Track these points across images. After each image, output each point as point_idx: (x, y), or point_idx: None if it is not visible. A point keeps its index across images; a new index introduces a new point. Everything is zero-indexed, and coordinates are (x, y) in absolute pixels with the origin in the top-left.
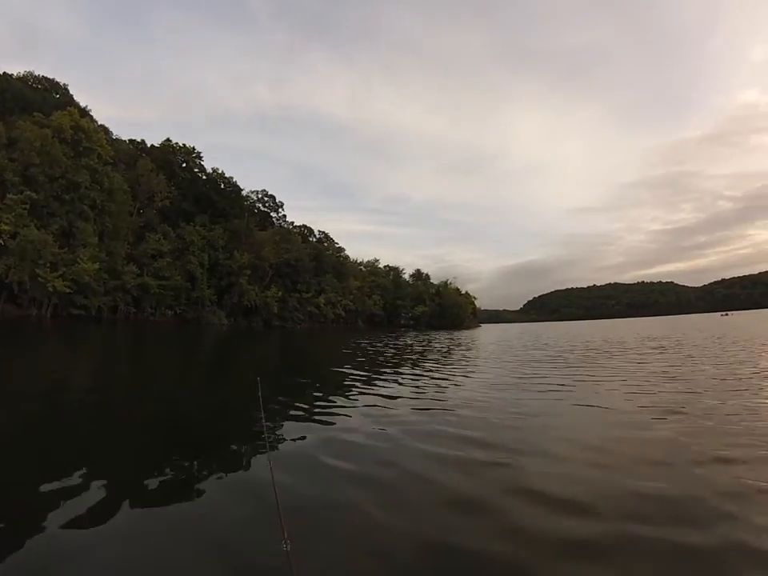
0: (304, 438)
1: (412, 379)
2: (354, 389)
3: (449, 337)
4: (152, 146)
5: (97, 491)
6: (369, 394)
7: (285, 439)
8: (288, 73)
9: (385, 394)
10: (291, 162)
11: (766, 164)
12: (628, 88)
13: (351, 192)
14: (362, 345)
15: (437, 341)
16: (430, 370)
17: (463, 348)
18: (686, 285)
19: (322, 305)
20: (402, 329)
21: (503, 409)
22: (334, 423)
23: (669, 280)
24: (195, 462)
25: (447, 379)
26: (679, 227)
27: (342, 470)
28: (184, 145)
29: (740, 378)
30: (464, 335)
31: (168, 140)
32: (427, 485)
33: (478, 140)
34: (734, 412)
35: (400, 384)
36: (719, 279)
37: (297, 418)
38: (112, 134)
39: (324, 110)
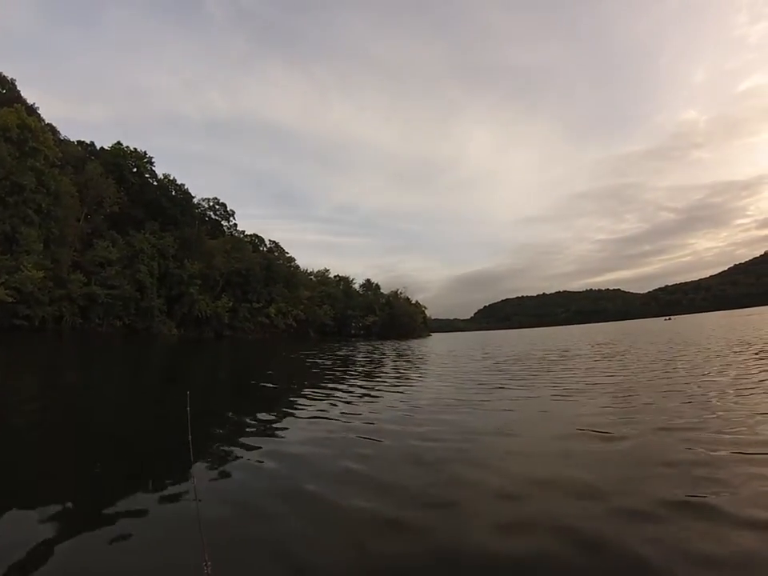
0: (231, 456)
1: (346, 394)
2: (287, 405)
3: (395, 347)
4: (101, 148)
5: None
6: (301, 410)
7: (211, 458)
8: (242, 79)
9: (317, 409)
10: (242, 169)
11: (704, 178)
12: (576, 104)
13: (302, 201)
14: (307, 356)
15: (382, 352)
16: (366, 384)
17: (405, 359)
18: (632, 291)
19: (272, 315)
20: (353, 338)
21: (430, 432)
22: (262, 444)
23: (616, 287)
24: (113, 481)
25: (378, 395)
26: (625, 236)
27: (267, 493)
28: (135, 149)
29: (686, 385)
30: (413, 345)
31: (119, 143)
32: (343, 513)
33: (430, 151)
34: (681, 426)
35: (333, 398)
36: (663, 286)
37: (225, 436)
38: (60, 135)
39: (277, 118)
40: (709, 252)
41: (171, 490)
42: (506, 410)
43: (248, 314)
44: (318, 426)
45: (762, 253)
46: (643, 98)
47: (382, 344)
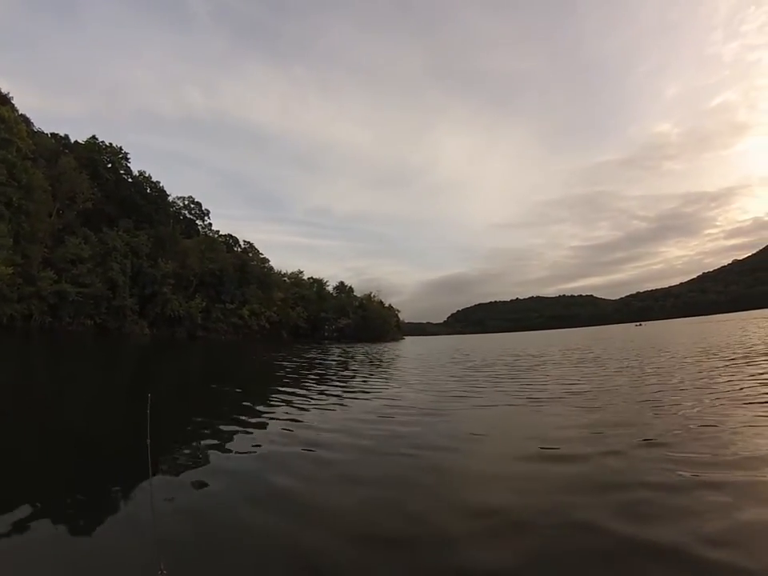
0: (189, 463)
1: (305, 401)
2: (245, 411)
3: (366, 351)
4: (76, 142)
5: None
6: (257, 418)
7: (169, 464)
8: (223, 78)
9: (273, 417)
10: (218, 169)
11: (675, 188)
12: (553, 113)
13: (277, 202)
14: (276, 359)
15: (352, 355)
16: (329, 390)
17: (373, 364)
18: (604, 297)
19: (246, 316)
20: (326, 341)
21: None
22: (219, 451)
23: (589, 293)
24: (68, 486)
25: (338, 402)
26: (598, 244)
27: (224, 501)
28: (110, 144)
29: (656, 395)
30: (384, 348)
31: (94, 137)
32: (282, 531)
33: (406, 155)
34: (647, 443)
35: (292, 405)
36: (635, 292)
37: (185, 442)
38: (33, 126)
39: (255, 117)
40: (679, 260)
41: (127, 494)
42: (464, 421)
43: (221, 314)
44: (268, 436)
45: (730, 262)
46: (618, 109)
47: (353, 347)
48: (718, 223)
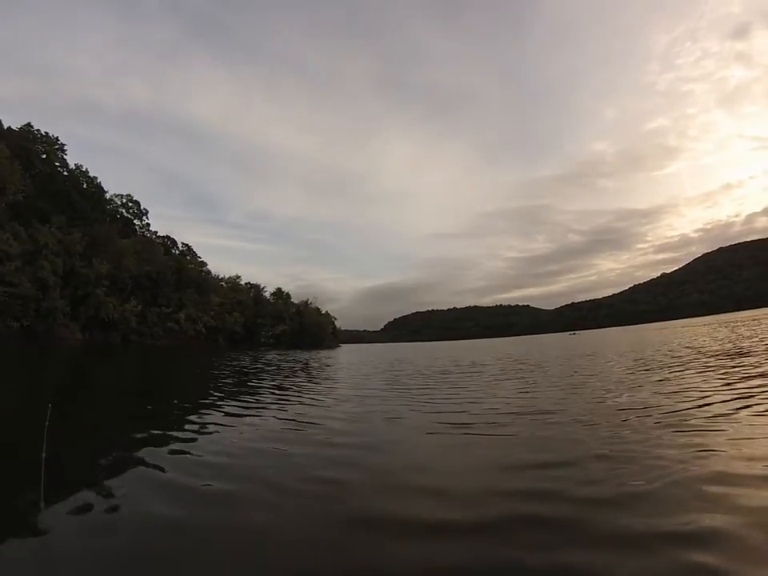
0: (87, 484)
1: (211, 416)
2: (169, 426)
3: (298, 359)
4: (9, 128)
5: None
6: (158, 438)
7: (65, 486)
8: (166, 71)
9: (177, 437)
10: (155, 166)
11: (608, 204)
12: (494, 128)
13: (215, 204)
14: (206, 367)
15: (281, 364)
16: (240, 403)
17: (298, 375)
18: (540, 307)
19: (182, 321)
20: (262, 348)
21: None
22: (122, 473)
23: (525, 303)
24: None
25: (239, 420)
26: (534, 255)
27: (121, 531)
28: (47, 133)
29: (592, 416)
30: (318, 356)
31: (29, 125)
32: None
33: (347, 162)
34: (564, 493)
35: (195, 423)
36: (570, 303)
37: (86, 460)
38: None
39: (198, 115)
40: (611, 273)
41: (13, 520)
42: (369, 449)
43: (157, 318)
44: (148, 467)
45: (659, 275)
46: (558, 127)
47: (287, 354)
48: (648, 239)
